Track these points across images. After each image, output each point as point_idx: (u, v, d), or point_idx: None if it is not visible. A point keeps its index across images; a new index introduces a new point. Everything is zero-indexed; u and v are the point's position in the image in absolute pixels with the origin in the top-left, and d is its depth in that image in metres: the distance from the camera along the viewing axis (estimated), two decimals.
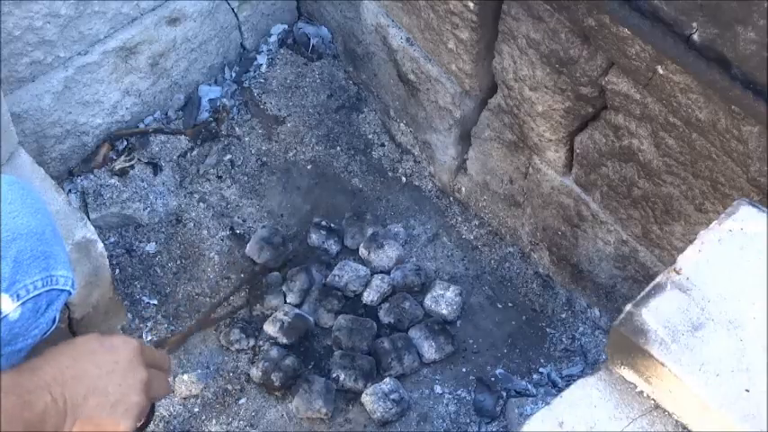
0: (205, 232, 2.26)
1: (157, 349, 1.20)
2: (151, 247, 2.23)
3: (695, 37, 1.41)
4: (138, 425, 1.08)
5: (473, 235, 2.29)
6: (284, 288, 2.14)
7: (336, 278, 2.15)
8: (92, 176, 2.28)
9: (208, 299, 2.14)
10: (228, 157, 2.38)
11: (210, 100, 2.45)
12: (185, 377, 2.01)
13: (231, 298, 2.15)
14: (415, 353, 2.05)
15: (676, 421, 1.12)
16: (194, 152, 2.38)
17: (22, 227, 1.20)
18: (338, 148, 2.43)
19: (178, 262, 2.21)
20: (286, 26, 2.58)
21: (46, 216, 1.26)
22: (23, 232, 1.20)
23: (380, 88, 2.40)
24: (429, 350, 2.05)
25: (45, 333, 1.26)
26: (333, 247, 2.23)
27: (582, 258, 2.05)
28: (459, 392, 2.02)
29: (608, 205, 1.89)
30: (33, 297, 1.20)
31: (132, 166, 2.30)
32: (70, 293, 1.28)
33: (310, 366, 2.06)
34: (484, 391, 2.01)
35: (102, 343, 1.05)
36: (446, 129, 2.20)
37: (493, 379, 2.03)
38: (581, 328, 2.11)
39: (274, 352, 2.02)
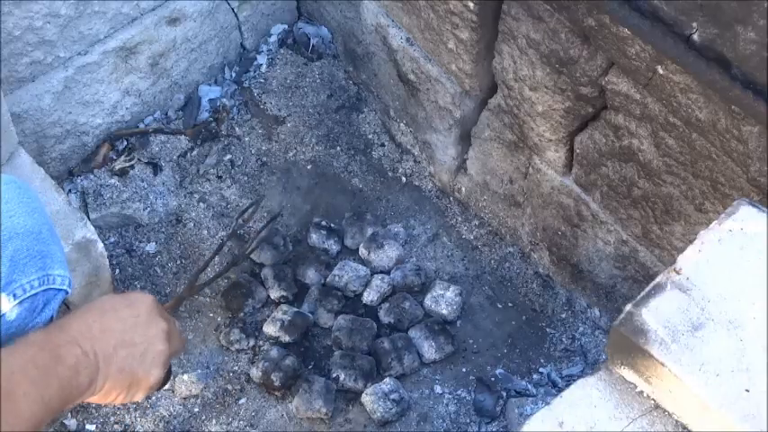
0: (205, 232, 2.26)
1: None
2: (151, 247, 2.22)
3: (695, 37, 1.41)
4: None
5: (473, 235, 2.29)
6: (267, 287, 2.14)
7: (336, 278, 2.15)
8: (92, 176, 2.28)
9: (208, 299, 2.14)
10: (228, 157, 2.38)
11: (210, 100, 2.45)
12: (185, 377, 2.01)
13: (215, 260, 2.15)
14: (415, 353, 2.05)
15: (676, 421, 1.12)
16: (194, 152, 2.38)
17: (18, 226, 1.21)
18: (338, 148, 2.43)
19: (178, 262, 2.21)
20: (286, 26, 2.58)
21: (43, 216, 1.26)
22: (20, 232, 1.20)
23: (380, 88, 2.40)
24: (429, 350, 2.05)
25: None
26: (333, 247, 2.23)
27: (582, 258, 2.04)
28: (459, 392, 2.02)
29: (608, 205, 1.88)
30: (30, 296, 1.21)
31: (132, 166, 2.30)
32: (67, 293, 1.28)
33: (310, 366, 2.05)
34: (484, 391, 2.01)
35: (121, 299, 1.09)
36: (446, 129, 2.20)
37: (493, 379, 2.03)
38: (581, 328, 2.11)
39: (274, 352, 2.02)
